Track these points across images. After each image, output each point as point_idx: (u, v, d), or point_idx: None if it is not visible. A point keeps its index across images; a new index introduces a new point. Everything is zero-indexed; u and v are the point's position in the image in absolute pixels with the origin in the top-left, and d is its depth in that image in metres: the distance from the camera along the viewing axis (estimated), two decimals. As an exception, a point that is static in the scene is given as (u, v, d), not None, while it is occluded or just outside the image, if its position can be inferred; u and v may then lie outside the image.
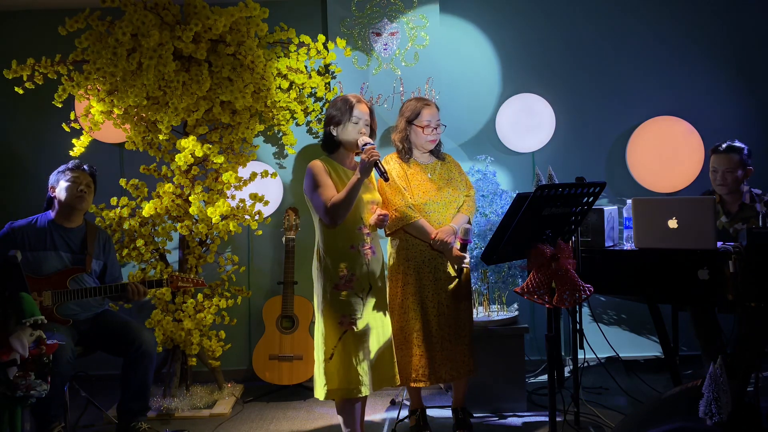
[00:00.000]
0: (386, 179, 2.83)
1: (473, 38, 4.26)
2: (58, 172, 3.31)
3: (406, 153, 3.15)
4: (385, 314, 2.94)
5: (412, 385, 3.08)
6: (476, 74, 4.26)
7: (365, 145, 2.79)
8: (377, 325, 2.89)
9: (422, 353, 3.05)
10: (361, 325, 2.81)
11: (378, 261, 2.93)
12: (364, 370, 2.79)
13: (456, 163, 3.28)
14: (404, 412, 3.44)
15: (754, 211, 3.37)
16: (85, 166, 3.35)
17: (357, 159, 2.97)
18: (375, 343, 2.87)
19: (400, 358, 3.06)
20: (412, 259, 3.08)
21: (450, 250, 3.01)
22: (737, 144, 3.42)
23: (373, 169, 2.77)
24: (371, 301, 2.87)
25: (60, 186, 3.28)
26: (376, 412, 3.60)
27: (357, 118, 2.85)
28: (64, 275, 3.20)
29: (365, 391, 2.80)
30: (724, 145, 3.42)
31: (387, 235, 3.15)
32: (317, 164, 2.85)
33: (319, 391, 2.83)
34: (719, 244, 2.77)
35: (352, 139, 2.85)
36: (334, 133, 2.88)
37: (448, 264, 3.08)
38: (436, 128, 3.12)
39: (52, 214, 3.31)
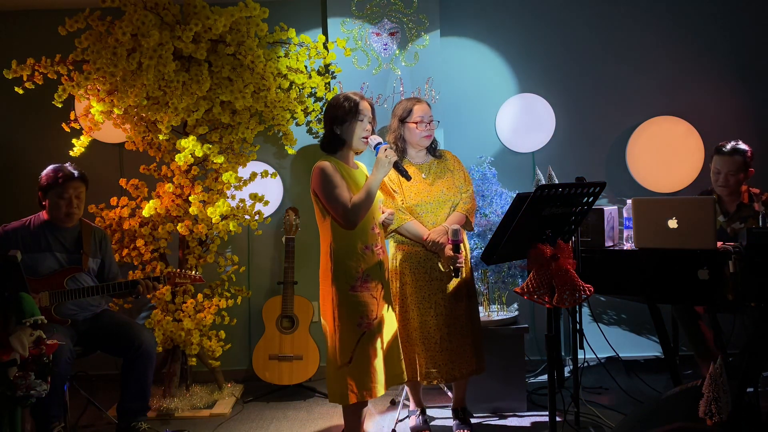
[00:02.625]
0: (408, 178, 2.80)
1: (473, 38, 4.26)
2: (48, 181, 3.21)
3: (400, 154, 3.13)
4: (392, 312, 2.94)
5: (424, 382, 3.08)
6: (476, 74, 4.26)
7: (378, 144, 2.75)
8: (387, 324, 2.86)
9: (420, 352, 3.06)
10: (377, 324, 2.78)
11: (386, 260, 2.92)
12: (381, 369, 2.77)
13: (455, 159, 3.27)
14: (404, 412, 3.45)
15: (752, 211, 3.37)
16: (75, 173, 3.26)
17: (356, 159, 2.97)
18: (386, 342, 2.85)
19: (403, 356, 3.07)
20: (408, 260, 3.09)
21: (443, 251, 3.01)
22: (741, 146, 3.40)
23: (393, 168, 2.73)
24: (383, 301, 2.84)
25: (49, 201, 3.23)
26: (376, 412, 3.60)
27: (362, 116, 2.80)
28: (61, 275, 3.19)
29: (382, 390, 2.76)
30: (728, 147, 3.39)
31: (385, 237, 3.15)
32: (328, 165, 2.76)
33: (339, 397, 2.75)
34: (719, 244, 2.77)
35: (357, 137, 2.81)
36: (338, 132, 2.82)
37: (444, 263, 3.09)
38: (428, 124, 3.11)
39: (45, 214, 3.30)
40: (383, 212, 2.91)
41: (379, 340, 2.78)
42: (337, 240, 2.77)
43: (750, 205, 3.40)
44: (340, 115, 2.79)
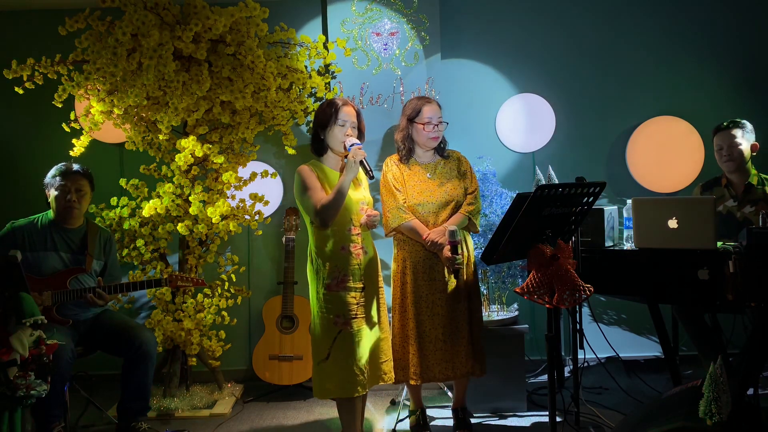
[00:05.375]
0: (371, 177, 2.87)
1: (473, 38, 4.26)
2: (50, 177, 3.28)
3: (407, 152, 3.15)
4: (379, 313, 2.96)
5: (411, 382, 3.09)
6: (476, 74, 4.26)
7: (352, 145, 2.84)
8: (372, 324, 2.91)
9: (415, 352, 3.06)
10: (355, 324, 2.83)
11: (370, 260, 2.95)
12: (360, 368, 2.81)
13: (463, 160, 3.26)
14: (404, 412, 3.45)
15: (762, 194, 3.37)
16: (75, 167, 3.30)
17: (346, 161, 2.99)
18: (369, 342, 2.89)
19: (402, 356, 3.07)
20: (409, 259, 3.10)
21: (442, 251, 3.01)
22: (739, 120, 3.46)
23: (360, 168, 2.83)
24: (365, 300, 2.89)
25: (51, 195, 3.27)
26: (376, 412, 3.60)
27: (343, 121, 2.90)
28: (64, 276, 3.20)
29: (362, 390, 2.81)
30: (726, 123, 3.47)
31: (386, 236, 3.16)
32: (305, 168, 2.90)
33: (318, 391, 2.87)
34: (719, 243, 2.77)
35: (339, 141, 2.90)
36: (322, 136, 2.94)
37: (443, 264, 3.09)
38: (437, 125, 3.12)
39: (52, 214, 3.31)
40: (365, 213, 2.93)
41: (359, 340, 2.83)
42: (316, 240, 2.90)
43: (759, 188, 3.39)
44: (323, 120, 2.92)
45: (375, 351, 2.93)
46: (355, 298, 2.85)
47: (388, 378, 2.98)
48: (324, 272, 2.85)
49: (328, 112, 2.91)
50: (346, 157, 2.96)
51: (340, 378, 2.81)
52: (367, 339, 2.88)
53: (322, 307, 2.84)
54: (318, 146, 2.98)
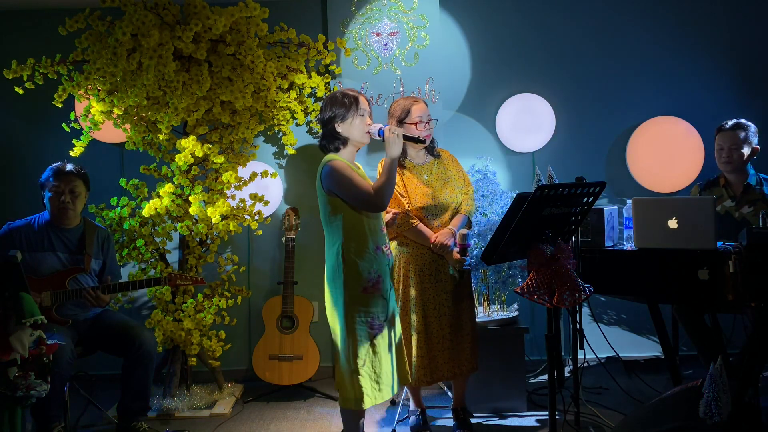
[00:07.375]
0: (423, 141, 2.85)
1: (473, 38, 4.26)
2: (44, 177, 3.26)
3: (401, 154, 3.12)
4: (397, 314, 2.92)
5: (414, 385, 3.09)
6: (476, 74, 4.26)
7: (380, 129, 2.70)
8: (395, 326, 2.84)
9: (423, 354, 3.06)
10: (386, 327, 2.74)
11: (392, 261, 2.88)
12: (390, 371, 2.73)
13: (453, 159, 3.27)
14: (404, 412, 3.45)
15: (761, 194, 3.36)
16: (69, 167, 3.27)
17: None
18: (395, 344, 2.82)
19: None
20: (413, 262, 3.09)
21: (450, 253, 3.02)
22: (743, 121, 3.41)
23: (403, 142, 2.72)
24: (391, 302, 2.80)
25: (45, 197, 3.26)
26: (376, 412, 3.60)
27: (363, 110, 2.74)
28: (63, 276, 3.19)
29: (391, 393, 2.73)
30: (730, 123, 3.42)
31: (389, 239, 3.15)
32: (338, 162, 2.68)
33: (354, 402, 2.66)
34: (719, 244, 2.77)
35: (361, 131, 2.73)
36: (340, 130, 2.73)
37: (449, 265, 3.09)
38: (427, 123, 3.10)
39: (49, 214, 3.30)
40: (388, 212, 2.91)
41: (389, 342, 2.75)
42: (349, 241, 2.67)
43: (758, 188, 3.38)
44: (341, 112, 2.72)
45: (401, 351, 2.85)
46: (386, 300, 2.74)
47: (410, 377, 2.90)
48: (360, 274, 2.65)
49: (347, 103, 2.71)
50: (356, 150, 2.91)
51: (376, 383, 2.67)
52: (396, 341, 2.81)
53: (359, 311, 2.66)
54: (335, 142, 2.76)
